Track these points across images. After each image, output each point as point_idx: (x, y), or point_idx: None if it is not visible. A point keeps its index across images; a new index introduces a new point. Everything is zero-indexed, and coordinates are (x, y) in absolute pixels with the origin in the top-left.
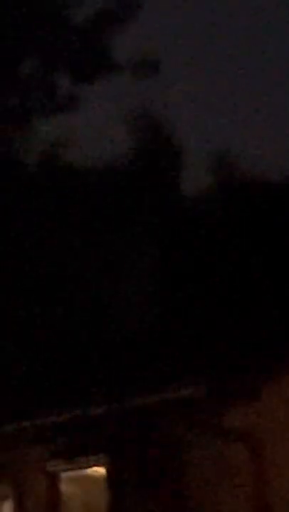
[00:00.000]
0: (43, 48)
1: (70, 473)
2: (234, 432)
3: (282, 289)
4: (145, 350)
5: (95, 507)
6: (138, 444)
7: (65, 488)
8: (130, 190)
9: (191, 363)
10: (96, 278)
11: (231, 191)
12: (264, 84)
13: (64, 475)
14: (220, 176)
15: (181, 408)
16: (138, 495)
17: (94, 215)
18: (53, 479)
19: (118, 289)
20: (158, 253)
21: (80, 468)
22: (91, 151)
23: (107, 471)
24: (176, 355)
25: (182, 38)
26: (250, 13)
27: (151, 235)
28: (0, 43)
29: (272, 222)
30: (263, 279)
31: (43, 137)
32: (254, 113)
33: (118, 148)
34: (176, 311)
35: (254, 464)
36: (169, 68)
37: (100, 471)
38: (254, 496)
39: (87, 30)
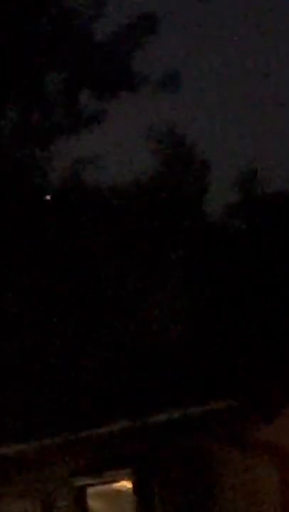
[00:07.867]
0: (65, 64)
1: (98, 488)
2: (262, 446)
3: None
4: (170, 366)
5: None
6: (165, 458)
7: (92, 503)
8: (154, 207)
9: (218, 377)
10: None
11: (257, 208)
12: None
13: (91, 490)
14: (246, 193)
15: (208, 422)
16: (166, 509)
17: (117, 233)
18: (80, 494)
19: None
20: (184, 272)
21: (108, 482)
22: (114, 169)
23: (135, 485)
24: (203, 370)
25: (205, 53)
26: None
27: (176, 252)
28: (22, 59)
29: None
30: None
31: (66, 155)
32: (281, 128)
33: (141, 165)
34: (204, 325)
35: (281, 477)
36: (193, 84)
37: (128, 485)
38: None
39: (109, 46)
